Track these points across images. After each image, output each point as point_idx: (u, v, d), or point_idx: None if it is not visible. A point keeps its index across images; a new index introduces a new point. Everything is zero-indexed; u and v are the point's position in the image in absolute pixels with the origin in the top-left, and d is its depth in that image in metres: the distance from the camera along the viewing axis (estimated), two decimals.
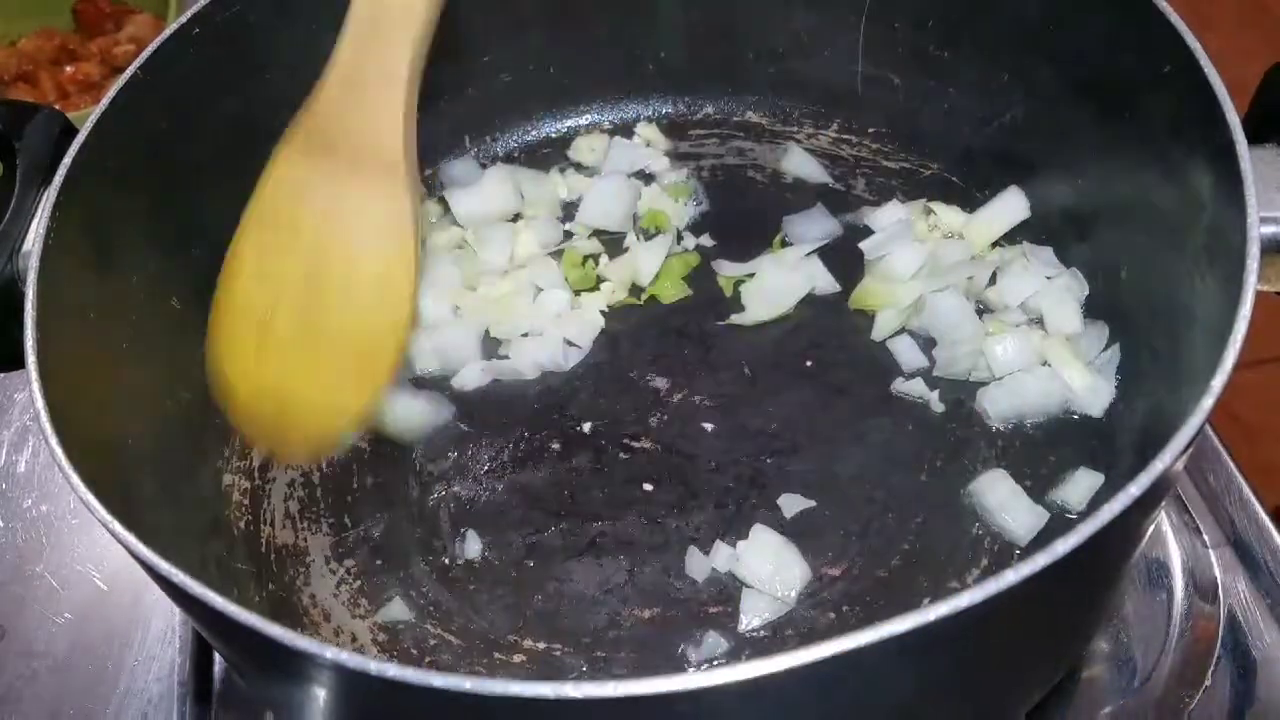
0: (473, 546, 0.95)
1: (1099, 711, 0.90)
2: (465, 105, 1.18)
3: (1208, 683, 0.90)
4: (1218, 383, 0.66)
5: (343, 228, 0.91)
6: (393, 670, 0.59)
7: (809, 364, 1.03)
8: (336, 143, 0.90)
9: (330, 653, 0.60)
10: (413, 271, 0.91)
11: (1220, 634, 0.92)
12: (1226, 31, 1.37)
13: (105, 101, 0.89)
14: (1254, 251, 0.71)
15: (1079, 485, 0.91)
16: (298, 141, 0.92)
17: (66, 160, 0.85)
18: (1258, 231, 0.72)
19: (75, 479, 0.70)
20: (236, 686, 0.97)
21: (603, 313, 1.08)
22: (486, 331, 1.08)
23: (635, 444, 1.00)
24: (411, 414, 1.02)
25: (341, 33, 0.89)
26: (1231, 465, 1.02)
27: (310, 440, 0.95)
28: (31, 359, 0.77)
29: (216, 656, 0.97)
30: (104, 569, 1.05)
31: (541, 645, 0.89)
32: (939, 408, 0.98)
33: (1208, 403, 0.66)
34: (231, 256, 0.93)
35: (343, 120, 0.90)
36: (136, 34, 1.56)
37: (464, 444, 1.01)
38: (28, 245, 0.85)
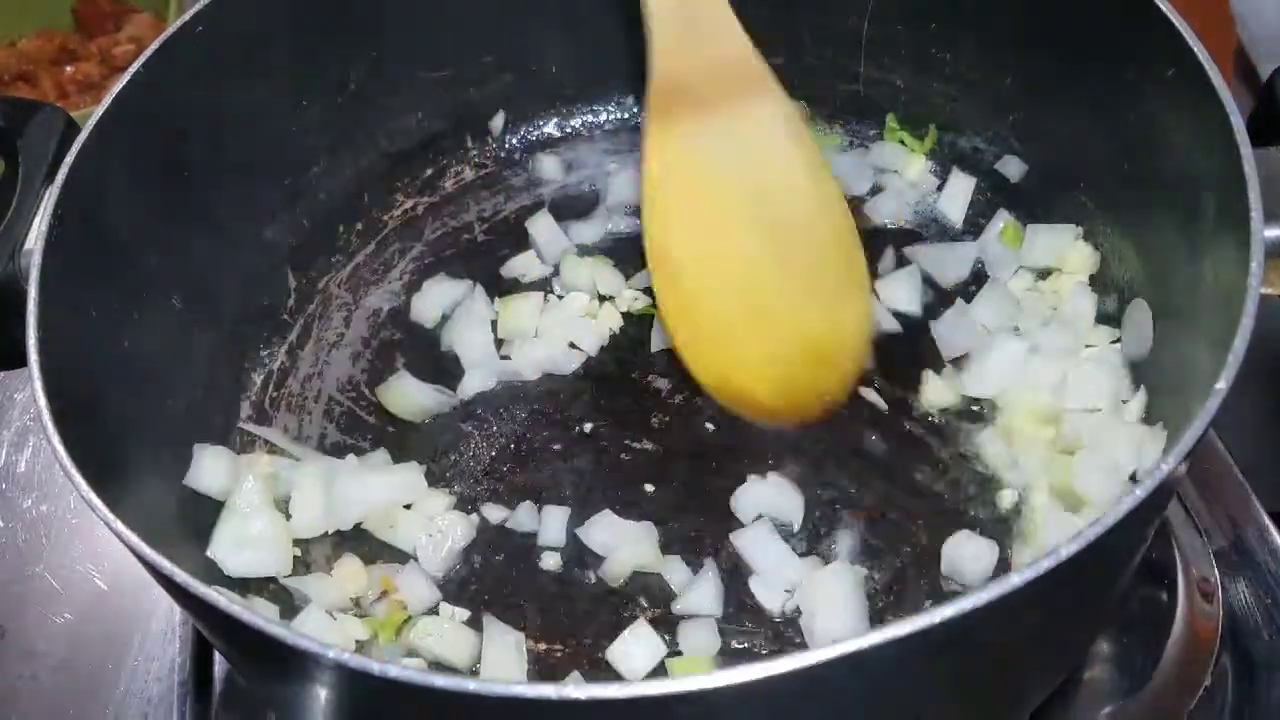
0: (473, 547, 0.95)
1: (1100, 712, 0.90)
2: (466, 105, 1.19)
3: (1208, 683, 0.90)
4: (1222, 385, 0.66)
5: (756, 157, 0.90)
6: (395, 670, 0.59)
7: None
8: (700, 85, 0.89)
9: (333, 652, 0.60)
10: (829, 168, 0.91)
11: (1220, 634, 0.92)
12: (1228, 35, 1.37)
13: (108, 100, 0.89)
14: (1258, 255, 0.71)
15: None
16: (664, 109, 0.90)
17: (68, 159, 0.85)
18: (1262, 234, 0.72)
19: (78, 477, 0.70)
20: (237, 686, 0.97)
21: (623, 315, 1.08)
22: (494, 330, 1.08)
23: (636, 445, 1.00)
24: (412, 399, 1.03)
25: None
26: (1232, 465, 1.02)
27: (836, 375, 0.94)
28: (33, 357, 0.77)
29: (217, 656, 0.97)
30: (104, 569, 1.05)
31: (543, 646, 0.89)
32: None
33: (1212, 405, 0.66)
34: (663, 265, 0.91)
35: (694, 61, 0.89)
36: (136, 34, 1.56)
37: (465, 444, 1.01)
38: (29, 244, 0.85)
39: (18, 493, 1.11)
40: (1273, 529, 0.97)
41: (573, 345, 1.06)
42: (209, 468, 0.95)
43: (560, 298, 1.10)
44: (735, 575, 0.91)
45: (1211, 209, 0.80)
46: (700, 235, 0.91)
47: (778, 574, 0.90)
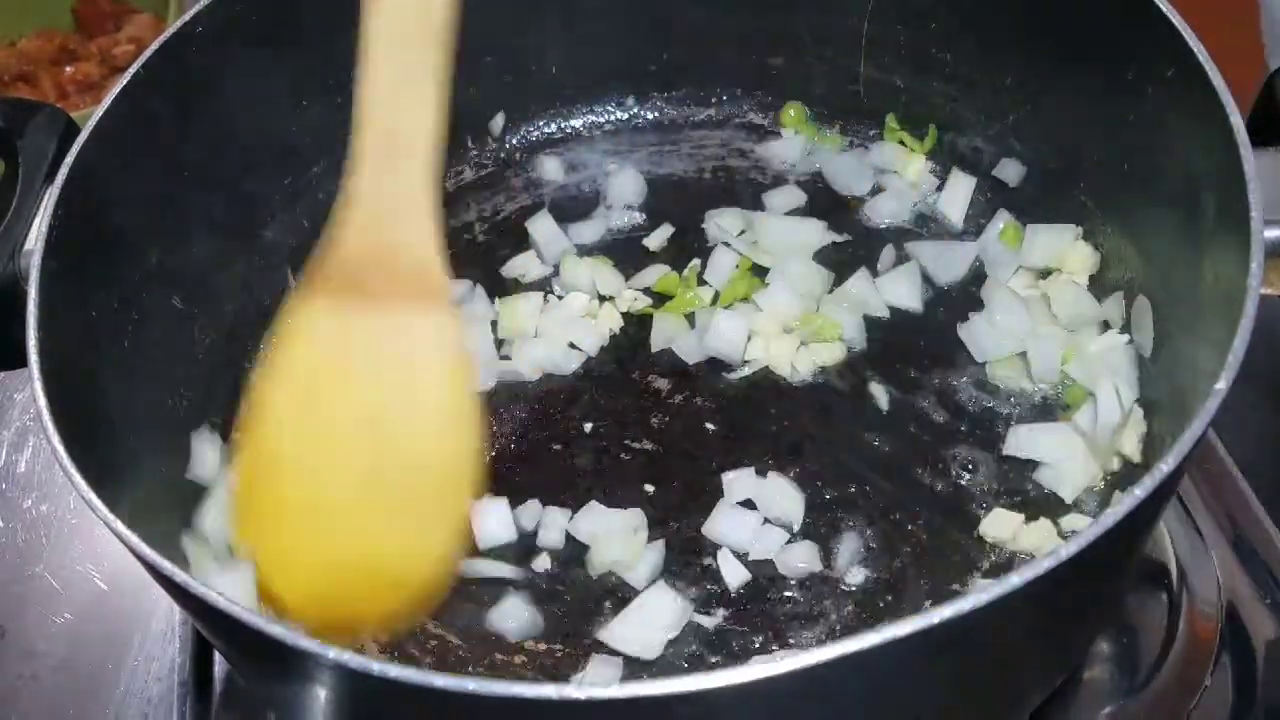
0: (473, 546, 0.95)
1: (1100, 712, 0.90)
2: (466, 105, 1.18)
3: (1208, 683, 0.90)
4: (1222, 385, 0.66)
5: (395, 362, 0.85)
6: (395, 671, 0.59)
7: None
8: (369, 274, 0.85)
9: (333, 653, 0.60)
10: (473, 400, 0.86)
11: (1220, 634, 0.92)
12: (1228, 34, 1.37)
13: (108, 100, 0.89)
14: (1258, 255, 0.71)
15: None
16: (322, 284, 0.85)
17: (69, 159, 0.85)
18: (1262, 235, 0.72)
19: (77, 477, 0.70)
20: (237, 686, 0.97)
21: (623, 315, 1.08)
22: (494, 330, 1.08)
23: (636, 445, 1.00)
24: None
25: (353, 166, 0.85)
26: (1231, 465, 1.02)
27: (393, 609, 0.87)
28: (33, 358, 0.77)
29: (217, 656, 0.97)
30: (104, 569, 1.05)
31: (543, 646, 0.89)
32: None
33: (1212, 406, 0.66)
34: (256, 428, 0.86)
35: (373, 251, 0.85)
36: (136, 34, 1.56)
37: None
38: (30, 244, 0.85)
39: (18, 493, 1.11)
40: (1273, 529, 0.97)
41: (573, 345, 1.06)
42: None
43: (560, 298, 1.10)
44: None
45: (1211, 209, 0.80)
46: (308, 409, 0.85)
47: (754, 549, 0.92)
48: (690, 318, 1.07)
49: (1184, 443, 0.64)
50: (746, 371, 1.03)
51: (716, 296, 1.08)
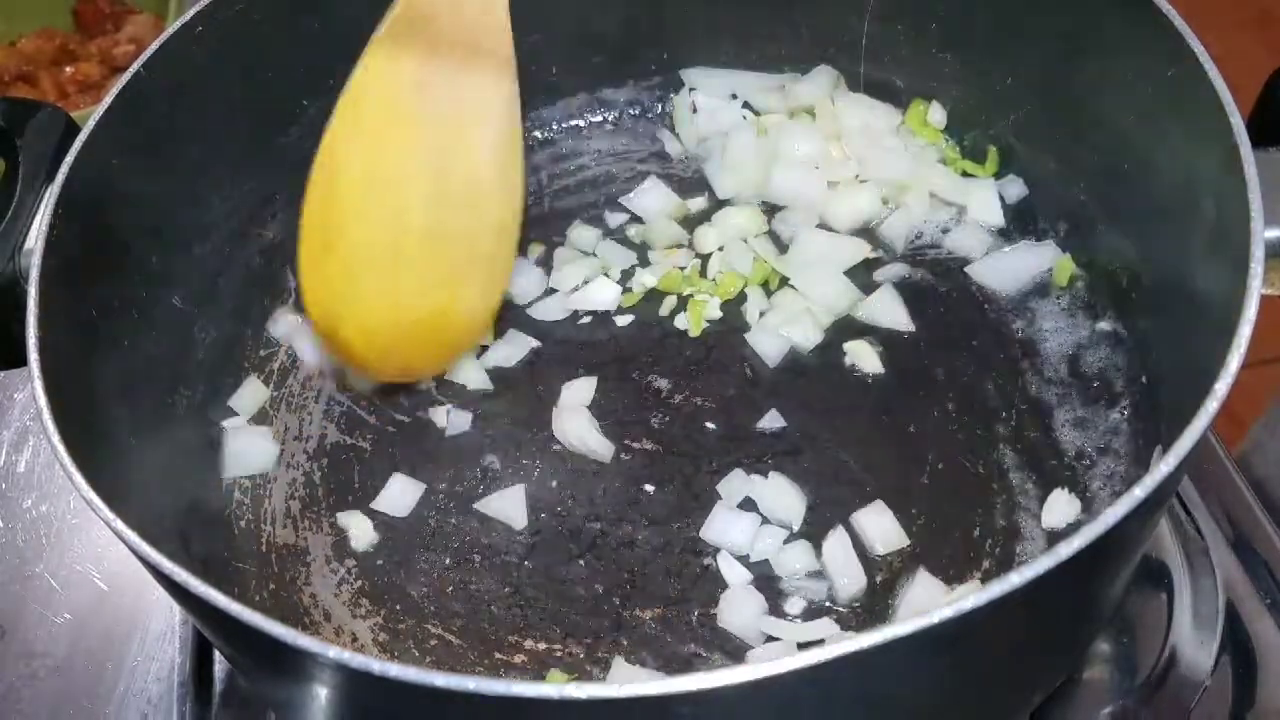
0: (472, 546, 0.95)
1: (1099, 711, 0.90)
2: None
3: (1208, 683, 0.90)
4: (1222, 386, 0.66)
5: (455, 119, 0.90)
6: (395, 670, 0.59)
7: (811, 365, 1.03)
8: (438, 29, 0.89)
9: (333, 652, 0.60)
10: (521, 158, 0.91)
11: (1220, 634, 0.92)
12: (1228, 35, 1.37)
13: (108, 100, 0.89)
14: (1258, 255, 0.71)
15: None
16: (394, 35, 0.88)
17: (69, 159, 0.85)
18: (1262, 235, 0.72)
19: (78, 477, 0.70)
20: (237, 686, 0.97)
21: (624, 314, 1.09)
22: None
23: (636, 445, 1.00)
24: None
25: None
26: (1231, 465, 1.02)
27: (446, 352, 0.97)
28: (34, 357, 0.77)
29: (217, 656, 0.97)
30: (104, 569, 1.05)
31: (543, 646, 0.89)
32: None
33: (1212, 406, 0.66)
34: (326, 175, 0.90)
35: (451, 8, 0.89)
36: (136, 34, 1.56)
37: (465, 443, 1.01)
38: (30, 244, 0.85)
39: (18, 493, 1.11)
40: (1273, 529, 0.98)
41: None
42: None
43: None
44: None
45: (1212, 210, 0.80)
46: (379, 165, 0.91)
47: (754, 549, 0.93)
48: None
49: (1184, 443, 0.64)
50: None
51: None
